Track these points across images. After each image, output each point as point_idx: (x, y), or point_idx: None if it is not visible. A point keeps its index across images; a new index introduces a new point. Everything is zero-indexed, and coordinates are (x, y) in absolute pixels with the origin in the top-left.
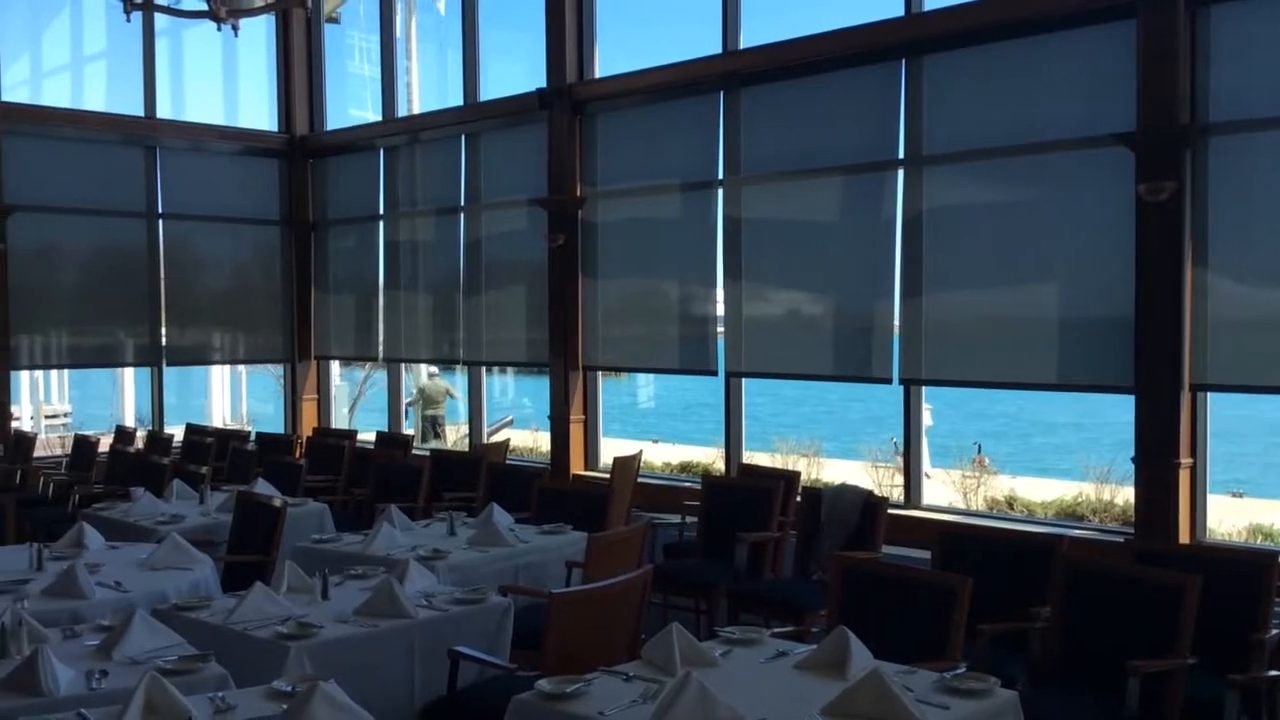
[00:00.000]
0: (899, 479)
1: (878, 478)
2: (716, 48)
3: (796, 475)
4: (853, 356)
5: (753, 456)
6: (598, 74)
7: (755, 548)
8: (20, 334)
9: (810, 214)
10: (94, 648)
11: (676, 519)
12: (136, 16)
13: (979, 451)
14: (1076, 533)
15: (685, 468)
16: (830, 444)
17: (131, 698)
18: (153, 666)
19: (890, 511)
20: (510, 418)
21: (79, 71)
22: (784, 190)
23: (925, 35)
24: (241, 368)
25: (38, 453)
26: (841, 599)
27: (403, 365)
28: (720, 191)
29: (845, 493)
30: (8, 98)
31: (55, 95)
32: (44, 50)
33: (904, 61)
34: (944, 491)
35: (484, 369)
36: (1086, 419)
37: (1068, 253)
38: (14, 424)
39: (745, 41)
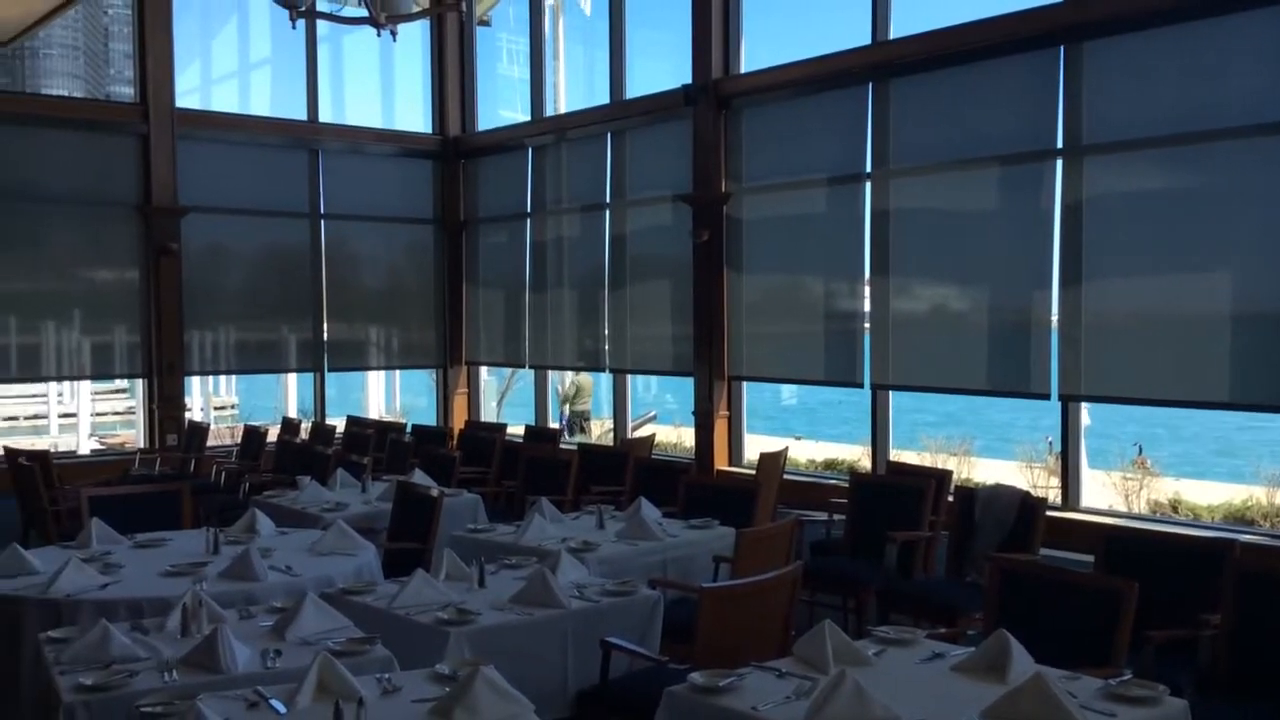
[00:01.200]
0: (1054, 480)
1: (1032, 478)
2: (865, 39)
3: (948, 474)
4: (1008, 367)
5: (899, 454)
6: (743, 69)
7: (906, 547)
8: (192, 329)
9: (962, 207)
10: (268, 628)
11: (822, 516)
12: (300, 24)
13: (1140, 453)
14: (1247, 538)
15: (830, 465)
16: (978, 442)
17: (305, 677)
18: (323, 647)
19: (1047, 513)
20: (654, 413)
21: (246, 78)
22: (934, 183)
23: (1086, 21)
24: (396, 358)
25: (209, 442)
26: (999, 601)
27: (550, 359)
28: (868, 185)
29: (1001, 493)
30: (181, 104)
31: (224, 101)
32: (213, 58)
33: (1063, 48)
34: (1103, 493)
35: (628, 358)
36: (1254, 420)
37: (1241, 247)
38: (187, 415)
39: (895, 31)
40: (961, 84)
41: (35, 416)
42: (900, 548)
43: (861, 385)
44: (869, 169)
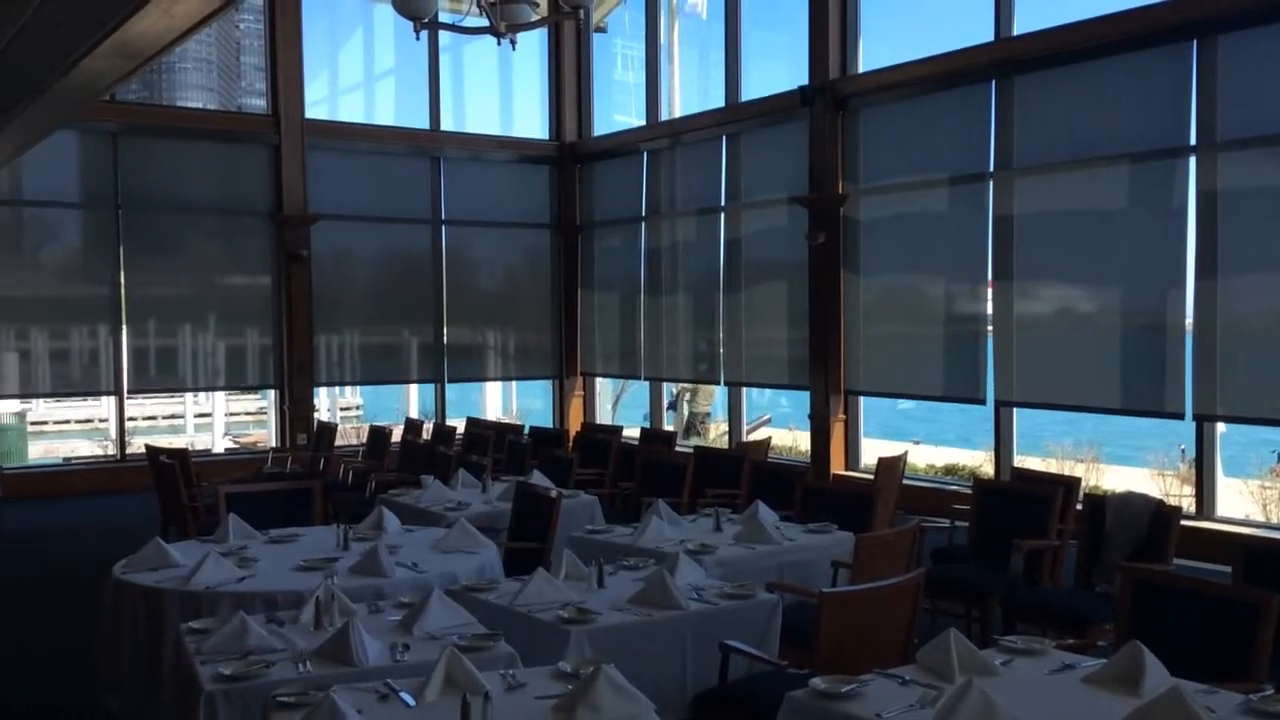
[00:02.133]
0: (1188, 488)
1: (1164, 486)
2: (988, 36)
3: (1076, 481)
4: (1140, 380)
5: (1023, 460)
6: (861, 69)
7: (1032, 555)
8: (319, 333)
9: (1090, 206)
10: (396, 623)
11: (943, 522)
12: (424, 34)
13: (1279, 460)
14: None
15: (950, 470)
16: (1106, 448)
17: (433, 671)
18: (449, 642)
19: (1181, 523)
20: (768, 416)
21: (371, 88)
22: (1060, 182)
23: (1220, 14)
24: (513, 365)
25: (337, 442)
26: (1131, 612)
27: (664, 363)
28: (990, 185)
29: (1132, 501)
30: (310, 115)
31: (350, 111)
32: (340, 69)
33: (1195, 42)
34: (1239, 502)
35: (744, 361)
36: None
37: None
38: (315, 415)
39: (1019, 28)
40: (1088, 80)
41: (173, 416)
42: (1026, 556)
43: (984, 402)
44: (992, 168)
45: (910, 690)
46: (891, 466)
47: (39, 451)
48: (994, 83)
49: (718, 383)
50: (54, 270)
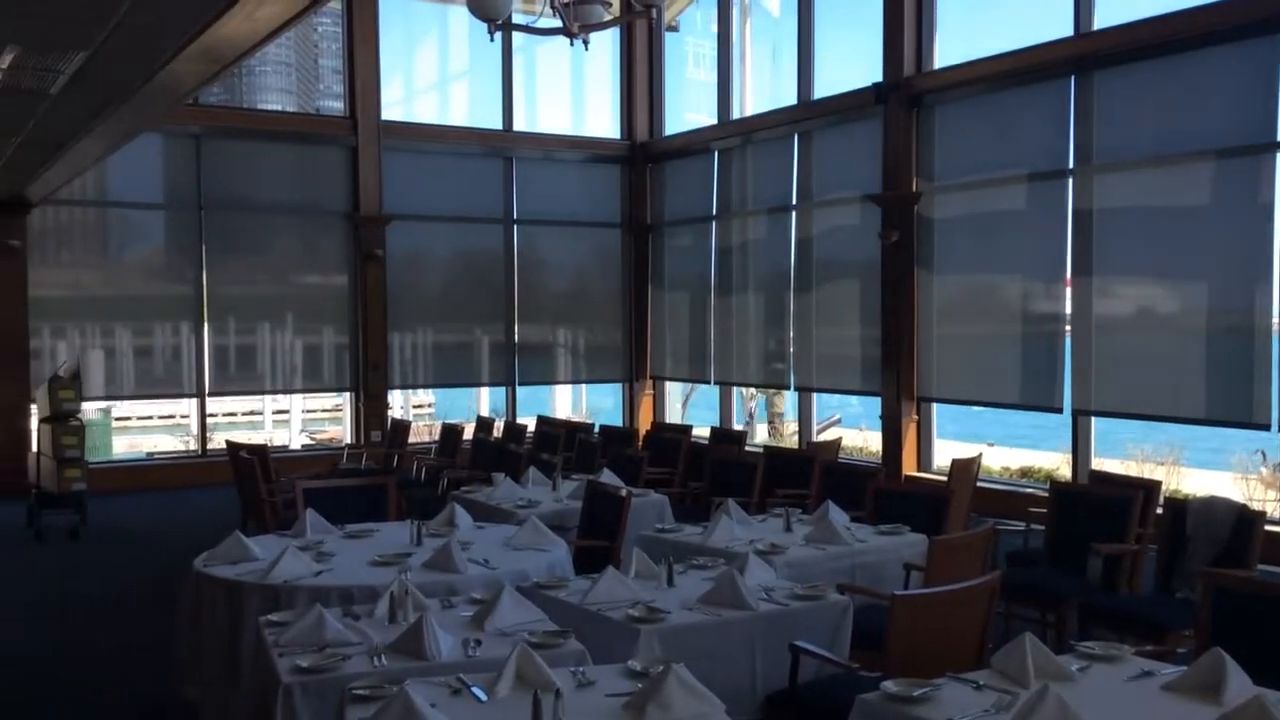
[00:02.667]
0: (1271, 493)
1: (1247, 490)
2: (1067, 30)
3: (1157, 485)
4: (1226, 387)
5: (1101, 463)
6: (936, 65)
7: (1110, 560)
8: (394, 331)
9: (1174, 203)
10: (468, 619)
11: (1019, 526)
12: (497, 36)
13: None
14: None
15: (1026, 473)
16: (1187, 451)
17: (505, 667)
18: (520, 639)
19: (1266, 528)
20: (838, 416)
21: (445, 89)
22: (1143, 178)
23: None
24: (582, 362)
25: (409, 439)
26: (1213, 619)
27: (735, 364)
28: (1070, 181)
29: (1215, 505)
30: (385, 116)
31: (425, 112)
32: (415, 71)
33: None
34: None
35: (814, 361)
36: None
37: None
38: (389, 413)
39: (1100, 22)
40: (1171, 75)
41: (251, 412)
42: (1105, 561)
43: (1060, 410)
44: (1071, 165)
45: (984, 695)
46: (965, 468)
47: (123, 446)
48: (1073, 78)
49: (788, 388)
50: (138, 270)
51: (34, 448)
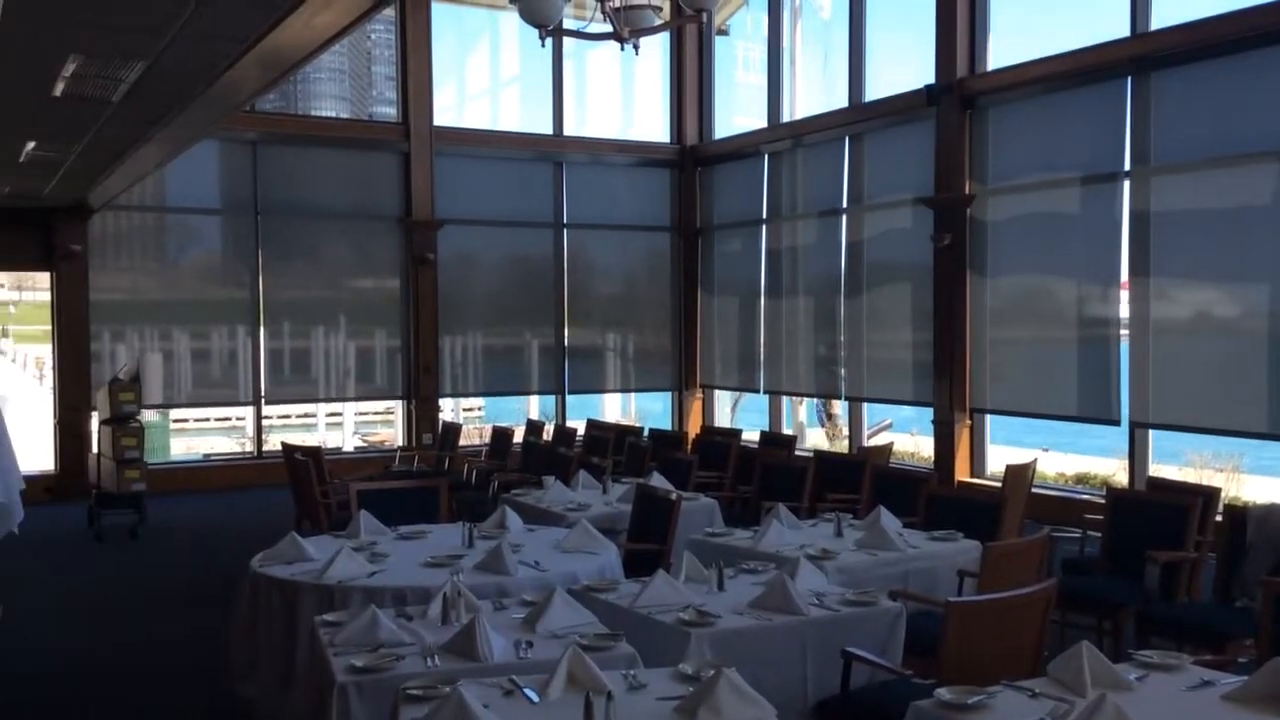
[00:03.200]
0: None
1: None
2: (1123, 31)
3: (1216, 491)
4: None
5: (1159, 469)
6: (990, 66)
7: (1168, 568)
8: (445, 335)
9: (1234, 204)
10: (520, 620)
11: (1075, 533)
12: (548, 41)
13: None
14: None
15: (1081, 479)
16: (1247, 458)
17: (556, 668)
18: (572, 641)
19: None
20: (889, 421)
21: (496, 94)
22: (1202, 180)
23: None
24: (630, 366)
25: (460, 442)
26: (1274, 627)
27: (784, 372)
28: (1127, 184)
29: (1275, 513)
30: (437, 122)
31: (476, 117)
32: (467, 77)
33: None
34: None
35: (864, 365)
36: None
37: None
38: (440, 416)
39: (1157, 22)
40: (1230, 75)
41: (305, 415)
42: (1162, 569)
43: (1118, 422)
44: (1127, 167)
45: (1040, 703)
46: (1020, 474)
47: (180, 448)
48: (1130, 79)
49: (839, 397)
50: (195, 274)
51: (94, 449)
